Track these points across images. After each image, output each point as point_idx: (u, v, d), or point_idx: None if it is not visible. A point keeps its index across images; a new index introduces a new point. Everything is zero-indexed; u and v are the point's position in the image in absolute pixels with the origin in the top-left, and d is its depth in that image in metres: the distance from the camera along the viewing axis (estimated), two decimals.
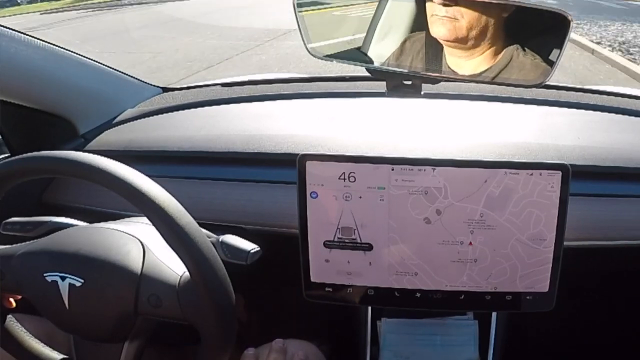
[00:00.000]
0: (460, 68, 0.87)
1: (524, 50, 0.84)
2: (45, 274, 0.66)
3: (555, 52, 0.81)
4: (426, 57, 0.90)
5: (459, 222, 0.71)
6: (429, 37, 0.87)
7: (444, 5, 0.80)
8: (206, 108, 1.12)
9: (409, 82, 0.92)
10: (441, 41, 0.86)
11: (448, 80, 0.93)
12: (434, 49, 0.88)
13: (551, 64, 0.81)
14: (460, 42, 0.83)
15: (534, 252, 0.72)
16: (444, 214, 0.71)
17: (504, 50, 0.85)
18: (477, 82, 0.94)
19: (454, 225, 0.72)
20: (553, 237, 0.70)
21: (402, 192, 0.71)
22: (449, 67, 0.89)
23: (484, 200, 0.70)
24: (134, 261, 0.67)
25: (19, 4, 15.69)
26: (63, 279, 0.66)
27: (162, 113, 1.11)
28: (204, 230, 0.65)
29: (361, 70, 0.97)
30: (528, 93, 1.07)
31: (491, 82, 0.87)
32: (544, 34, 0.83)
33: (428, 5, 0.84)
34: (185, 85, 1.28)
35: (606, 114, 1.03)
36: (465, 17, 0.80)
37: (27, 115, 0.97)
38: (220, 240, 0.72)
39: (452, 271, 0.74)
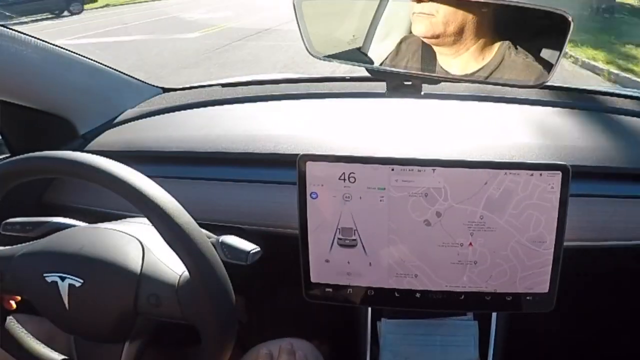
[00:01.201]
0: (450, 67, 0.87)
1: (516, 49, 0.84)
2: (45, 275, 0.66)
3: (553, 53, 0.81)
4: (422, 58, 0.90)
5: (459, 224, 0.71)
6: None
7: (418, 1, 0.81)
8: (206, 108, 1.12)
9: (409, 83, 0.92)
10: (422, 39, 0.86)
11: (445, 80, 0.93)
12: (428, 49, 0.89)
13: (545, 63, 0.81)
14: (439, 38, 0.83)
15: (533, 254, 0.72)
16: (444, 216, 0.71)
17: (496, 49, 0.84)
18: (471, 81, 0.94)
19: (454, 227, 0.71)
20: (553, 239, 0.70)
21: (402, 194, 0.71)
22: (440, 66, 0.89)
23: (484, 202, 0.70)
24: (134, 261, 0.67)
25: None
26: (63, 279, 0.66)
27: (162, 113, 1.11)
28: (203, 231, 0.65)
29: (361, 71, 0.97)
30: (528, 93, 1.07)
31: (486, 82, 0.87)
32: (539, 34, 0.83)
33: (410, 3, 0.84)
34: (185, 86, 1.28)
35: (606, 114, 1.03)
36: (441, 12, 0.81)
37: (27, 115, 0.97)
38: (220, 240, 0.72)
39: (451, 273, 0.74)
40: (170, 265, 0.67)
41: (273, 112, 1.10)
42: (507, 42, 0.84)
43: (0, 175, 0.67)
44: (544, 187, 0.69)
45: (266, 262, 0.73)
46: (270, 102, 1.13)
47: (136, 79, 1.20)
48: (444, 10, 0.81)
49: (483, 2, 0.81)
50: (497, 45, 0.85)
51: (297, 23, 0.91)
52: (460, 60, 0.86)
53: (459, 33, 0.83)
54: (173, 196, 0.64)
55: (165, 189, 0.64)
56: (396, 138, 0.93)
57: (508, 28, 0.84)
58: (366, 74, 0.95)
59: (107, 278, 0.66)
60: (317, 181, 0.72)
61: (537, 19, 0.82)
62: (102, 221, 0.77)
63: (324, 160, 0.72)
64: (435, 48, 0.88)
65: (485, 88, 1.05)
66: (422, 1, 0.81)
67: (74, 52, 1.04)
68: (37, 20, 11.06)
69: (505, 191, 0.70)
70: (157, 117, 1.10)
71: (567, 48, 0.82)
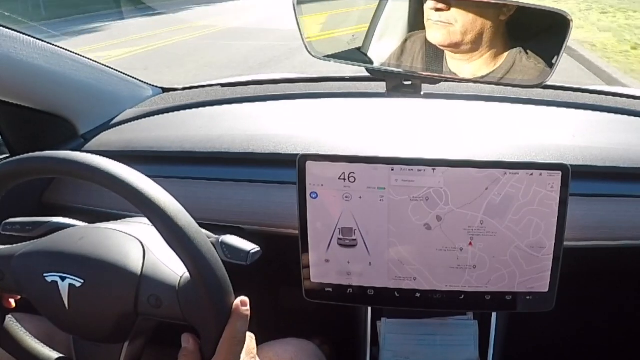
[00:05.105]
0: (461, 71, 0.87)
1: (527, 53, 0.84)
2: (45, 274, 0.66)
3: (553, 52, 0.81)
4: (427, 57, 0.90)
5: (459, 228, 0.71)
6: None
7: (437, 10, 0.79)
8: (206, 108, 1.12)
9: (409, 83, 0.92)
10: (438, 46, 0.86)
11: (448, 80, 0.93)
12: (434, 49, 0.88)
13: (552, 65, 0.81)
14: (456, 46, 0.83)
15: (532, 259, 0.71)
16: (444, 220, 0.71)
17: (507, 54, 0.84)
18: (479, 82, 0.94)
19: (454, 231, 0.71)
20: (552, 245, 0.70)
21: (403, 197, 0.71)
22: (449, 69, 0.88)
23: (484, 207, 0.70)
24: (134, 261, 0.66)
25: None
26: (63, 279, 0.65)
27: (162, 113, 1.11)
28: (203, 231, 0.65)
29: (361, 71, 0.96)
30: (527, 93, 1.07)
31: (492, 83, 0.87)
32: (543, 35, 0.83)
33: (425, 9, 0.83)
34: (185, 86, 1.28)
35: (606, 114, 1.03)
36: (460, 21, 0.79)
37: (27, 115, 0.97)
38: (220, 240, 0.72)
39: (450, 277, 0.74)
40: (171, 266, 0.67)
41: (273, 112, 1.10)
42: (518, 48, 0.84)
43: None
44: (545, 194, 0.69)
45: (266, 262, 0.73)
46: (270, 102, 1.13)
47: (136, 79, 1.20)
48: (463, 19, 0.79)
49: (500, 6, 0.81)
50: (508, 50, 0.84)
51: (297, 23, 0.91)
52: (472, 65, 0.86)
53: (476, 41, 0.82)
54: (173, 196, 0.64)
55: (165, 189, 0.64)
56: (396, 138, 0.93)
57: (517, 31, 0.84)
58: (366, 73, 0.95)
59: (108, 278, 0.66)
60: (317, 181, 0.72)
61: (538, 19, 0.82)
62: (102, 221, 0.76)
63: (324, 160, 0.71)
64: (447, 52, 0.88)
65: (486, 88, 1.05)
66: (441, 10, 0.79)
67: (74, 52, 1.04)
68: None
69: (506, 197, 0.69)
70: (157, 117, 1.10)
71: None
